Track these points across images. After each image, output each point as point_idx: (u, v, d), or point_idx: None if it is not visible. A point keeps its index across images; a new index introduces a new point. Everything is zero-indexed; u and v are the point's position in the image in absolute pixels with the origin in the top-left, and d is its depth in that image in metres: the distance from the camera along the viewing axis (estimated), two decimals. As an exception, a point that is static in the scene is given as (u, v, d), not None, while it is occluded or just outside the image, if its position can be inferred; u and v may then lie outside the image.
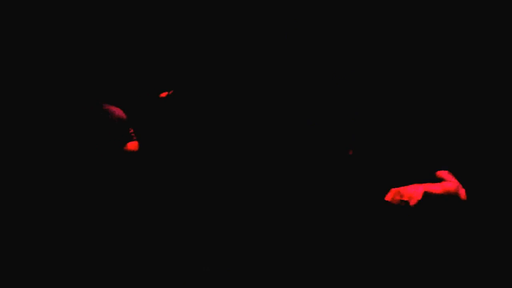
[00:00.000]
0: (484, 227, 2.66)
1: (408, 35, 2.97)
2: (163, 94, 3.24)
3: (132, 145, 2.98)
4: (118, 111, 2.97)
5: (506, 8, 2.79)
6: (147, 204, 2.92)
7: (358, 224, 1.89)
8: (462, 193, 1.86)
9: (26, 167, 2.80)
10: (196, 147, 3.09)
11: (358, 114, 2.02)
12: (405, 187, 1.71)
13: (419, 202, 1.69)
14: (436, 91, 2.91)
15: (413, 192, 1.69)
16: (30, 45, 3.17)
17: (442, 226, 1.92)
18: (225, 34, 3.26)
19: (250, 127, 3.01)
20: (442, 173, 1.90)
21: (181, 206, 2.94)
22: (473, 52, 2.92)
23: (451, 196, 1.81)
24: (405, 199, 1.68)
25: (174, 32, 3.36)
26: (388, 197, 1.70)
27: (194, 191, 2.94)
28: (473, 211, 2.50)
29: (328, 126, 2.14)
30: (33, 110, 2.92)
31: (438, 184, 1.82)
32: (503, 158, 2.80)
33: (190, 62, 3.31)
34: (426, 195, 1.72)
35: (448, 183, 1.85)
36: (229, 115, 3.09)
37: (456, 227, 2.00)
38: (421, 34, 2.96)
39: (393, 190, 1.71)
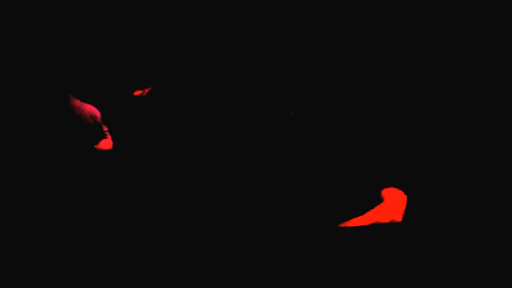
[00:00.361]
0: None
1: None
2: (138, 92, 3.20)
3: (106, 144, 2.93)
4: (91, 108, 2.91)
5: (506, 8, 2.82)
6: (122, 205, 2.88)
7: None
8: (398, 216, 1.83)
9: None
10: (172, 145, 3.06)
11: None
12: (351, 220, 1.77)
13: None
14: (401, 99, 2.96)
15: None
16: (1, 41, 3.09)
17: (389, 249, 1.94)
18: (204, 31, 3.24)
19: (228, 126, 2.99)
20: (387, 192, 1.87)
21: (157, 206, 2.90)
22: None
23: (384, 224, 1.81)
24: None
25: (149, 30, 3.33)
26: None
27: (172, 191, 2.90)
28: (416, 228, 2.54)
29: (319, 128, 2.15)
30: (3, 108, 2.85)
31: (373, 213, 1.80)
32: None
33: (166, 60, 3.29)
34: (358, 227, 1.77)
35: (384, 208, 1.82)
36: (206, 113, 3.07)
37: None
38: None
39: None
